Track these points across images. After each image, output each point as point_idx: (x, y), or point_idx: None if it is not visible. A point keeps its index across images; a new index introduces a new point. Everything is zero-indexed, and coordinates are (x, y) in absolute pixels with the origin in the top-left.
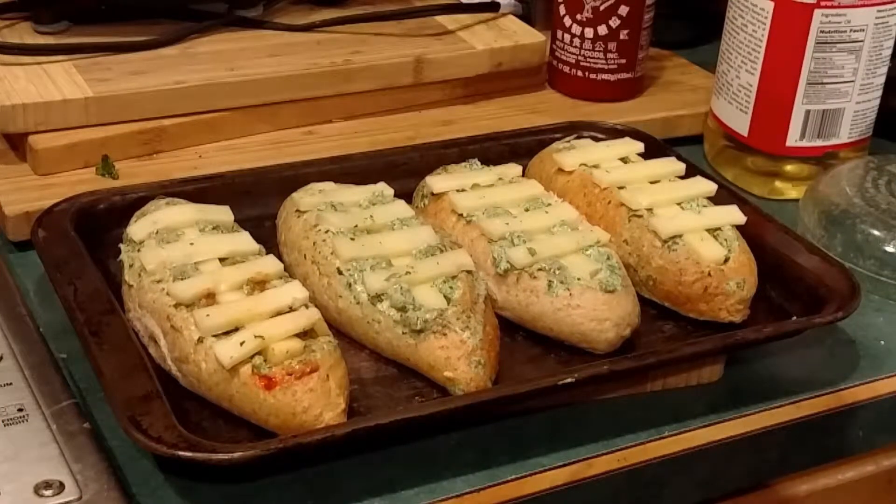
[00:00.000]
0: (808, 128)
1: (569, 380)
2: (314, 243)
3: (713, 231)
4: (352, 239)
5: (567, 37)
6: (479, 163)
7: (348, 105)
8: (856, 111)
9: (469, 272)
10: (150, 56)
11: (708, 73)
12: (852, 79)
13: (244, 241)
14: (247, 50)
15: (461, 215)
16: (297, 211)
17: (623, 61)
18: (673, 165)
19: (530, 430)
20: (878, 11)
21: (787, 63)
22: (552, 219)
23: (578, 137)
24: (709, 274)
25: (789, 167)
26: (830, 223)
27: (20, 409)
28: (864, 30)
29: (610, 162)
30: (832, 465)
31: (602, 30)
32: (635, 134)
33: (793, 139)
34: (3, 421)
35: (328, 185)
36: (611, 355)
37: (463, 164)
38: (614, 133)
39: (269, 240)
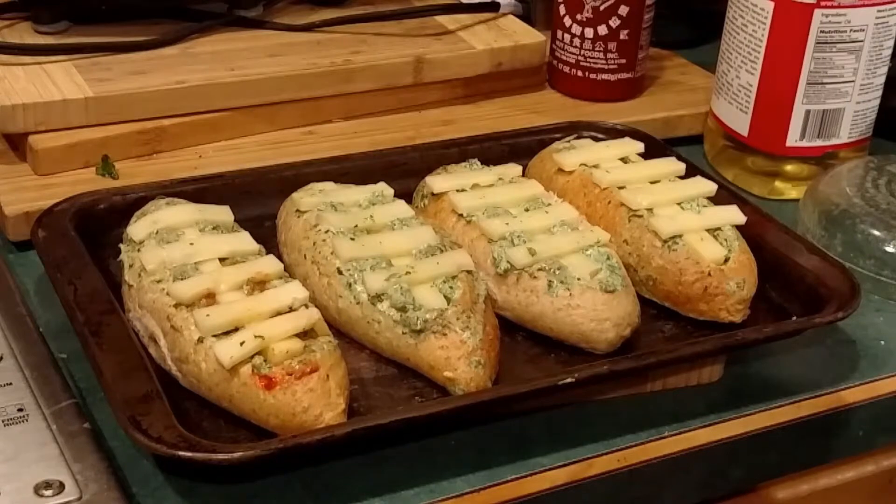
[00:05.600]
0: (808, 128)
1: (569, 380)
2: (314, 243)
3: (713, 231)
4: (352, 239)
5: (567, 37)
6: (479, 163)
7: (348, 105)
8: (856, 111)
9: (469, 272)
10: (150, 56)
11: (708, 73)
12: (852, 79)
13: (244, 241)
14: (247, 50)
15: (461, 215)
16: (297, 211)
17: (623, 61)
18: (673, 165)
19: (530, 430)
20: (878, 11)
21: (787, 63)
22: (552, 219)
23: (578, 137)
24: (709, 274)
25: (789, 167)
26: (830, 223)
27: (20, 409)
28: (864, 30)
29: (610, 162)
30: (832, 465)
31: (602, 30)
32: (635, 134)
33: (793, 139)
34: (3, 421)
35: (328, 185)
36: (611, 355)
37: (463, 164)
38: (614, 133)
39: (269, 240)
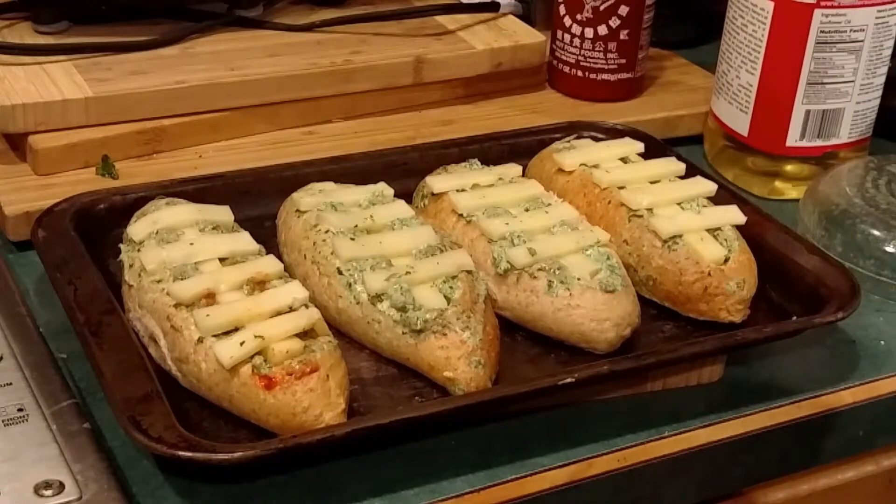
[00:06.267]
0: (808, 128)
1: (569, 380)
2: (314, 243)
3: (713, 231)
4: (352, 239)
5: (567, 37)
6: (479, 163)
7: (348, 105)
8: (856, 111)
9: (469, 272)
10: (150, 56)
11: (708, 73)
12: (852, 79)
13: (244, 241)
14: (247, 50)
15: (461, 215)
16: (297, 211)
17: (623, 61)
18: (673, 165)
19: (530, 430)
20: (878, 11)
21: (787, 63)
22: (552, 219)
23: (578, 137)
24: (709, 274)
25: (789, 167)
26: (830, 223)
27: (20, 409)
28: (864, 30)
29: (610, 162)
30: (832, 465)
31: (602, 30)
32: (635, 134)
33: (793, 139)
34: (3, 421)
35: (328, 185)
36: (611, 355)
37: (463, 164)
38: (614, 133)
39: (269, 240)
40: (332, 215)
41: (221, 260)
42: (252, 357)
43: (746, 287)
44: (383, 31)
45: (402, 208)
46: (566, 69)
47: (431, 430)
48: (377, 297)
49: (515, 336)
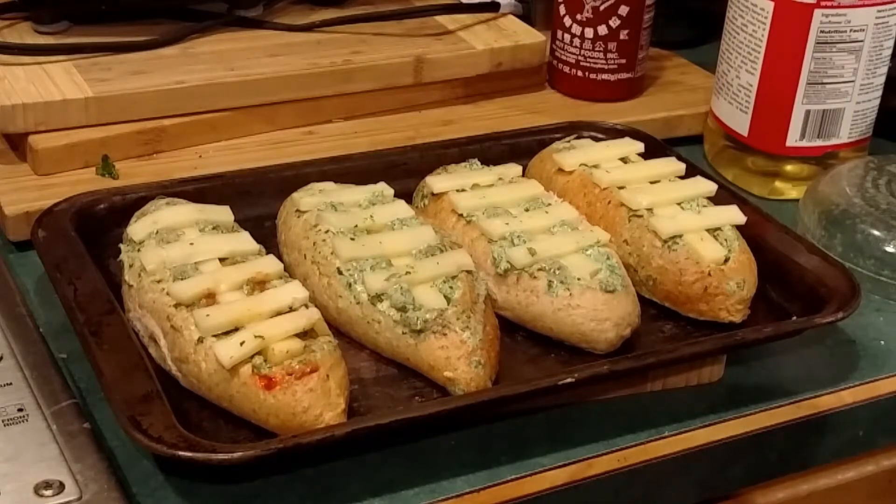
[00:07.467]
0: (808, 128)
1: (569, 380)
2: (314, 243)
3: (713, 231)
4: (352, 239)
5: (567, 37)
6: (479, 163)
7: (348, 105)
8: (856, 111)
9: (469, 272)
10: (150, 56)
11: (708, 73)
12: (852, 79)
13: (244, 241)
14: (247, 50)
15: (461, 215)
16: (297, 211)
17: (623, 61)
18: (673, 165)
19: (530, 430)
20: (878, 11)
21: (787, 63)
22: (552, 219)
23: (578, 137)
24: (709, 274)
25: (789, 167)
26: (830, 223)
27: (20, 409)
28: (864, 30)
29: (610, 162)
30: (832, 465)
31: (602, 30)
32: (635, 134)
33: (793, 139)
34: (3, 421)
35: (328, 185)
36: (611, 355)
37: (463, 164)
38: (614, 133)
39: (269, 240)
40: (332, 215)
41: (221, 260)
42: (252, 357)
43: (746, 287)
44: (383, 31)
45: (402, 208)
46: (566, 69)
47: (431, 430)
48: (377, 297)
49: (515, 336)
